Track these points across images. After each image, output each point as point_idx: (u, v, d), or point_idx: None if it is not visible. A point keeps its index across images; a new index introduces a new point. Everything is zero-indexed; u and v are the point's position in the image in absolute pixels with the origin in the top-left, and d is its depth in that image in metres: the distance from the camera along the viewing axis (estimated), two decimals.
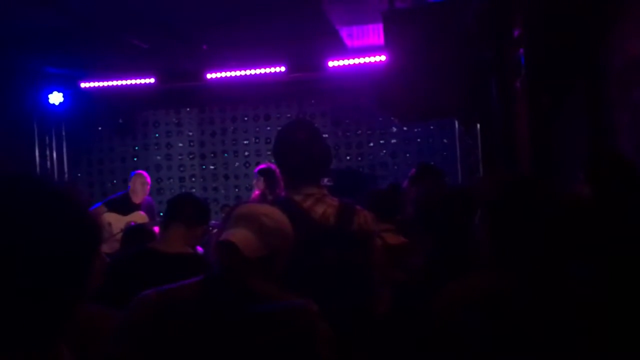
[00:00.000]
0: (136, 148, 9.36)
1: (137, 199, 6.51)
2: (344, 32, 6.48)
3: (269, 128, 8.87)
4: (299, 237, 1.94)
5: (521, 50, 3.97)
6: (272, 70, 7.51)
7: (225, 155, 9.20)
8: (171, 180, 9.32)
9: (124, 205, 6.32)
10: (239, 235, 1.82)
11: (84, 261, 1.01)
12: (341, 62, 7.23)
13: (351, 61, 7.19)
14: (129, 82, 7.94)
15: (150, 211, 6.62)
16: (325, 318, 1.88)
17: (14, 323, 0.95)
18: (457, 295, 1.77)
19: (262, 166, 6.60)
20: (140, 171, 6.87)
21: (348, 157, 8.69)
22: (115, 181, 9.09)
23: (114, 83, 7.97)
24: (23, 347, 0.95)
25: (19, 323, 0.95)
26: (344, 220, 2.36)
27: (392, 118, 7.93)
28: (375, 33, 6.35)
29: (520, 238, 1.71)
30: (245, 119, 9.10)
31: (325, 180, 2.58)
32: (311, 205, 2.38)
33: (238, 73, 7.61)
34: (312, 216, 2.35)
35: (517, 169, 4.28)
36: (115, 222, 6.04)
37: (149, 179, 6.71)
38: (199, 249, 3.84)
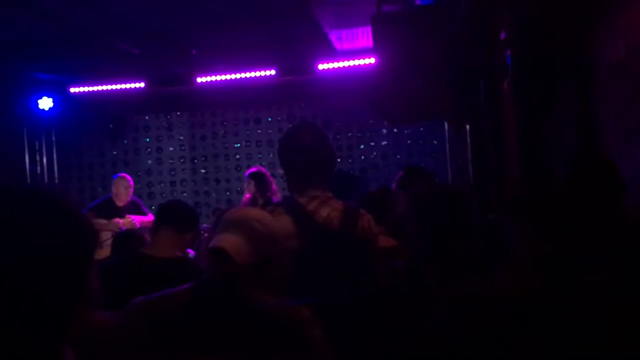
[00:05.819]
0: (127, 153, 9.35)
1: (121, 202, 6.49)
2: (333, 35, 6.51)
3: (259, 131, 8.88)
4: (303, 240, 1.92)
5: (508, 52, 4.00)
6: (262, 73, 7.51)
7: (217, 158, 9.20)
8: (162, 184, 9.31)
9: (109, 210, 6.30)
10: (230, 241, 1.79)
11: (82, 265, 1.03)
12: (331, 65, 7.24)
13: (341, 64, 7.20)
14: (118, 86, 7.91)
15: (137, 210, 6.58)
16: (327, 320, 1.86)
17: (16, 330, 0.96)
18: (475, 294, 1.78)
19: (252, 169, 6.61)
20: (122, 174, 6.83)
21: (339, 160, 8.70)
22: (106, 186, 9.06)
23: (104, 88, 7.94)
24: (26, 353, 0.96)
25: (21, 330, 0.96)
26: (349, 224, 2.35)
27: (383, 120, 7.97)
28: (364, 36, 6.37)
29: (557, 238, 1.74)
30: (236, 122, 9.10)
31: None
32: (315, 207, 2.35)
33: (228, 77, 7.60)
34: (316, 219, 2.33)
35: (505, 169, 4.31)
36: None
37: (131, 182, 6.67)
38: (191, 252, 3.85)
